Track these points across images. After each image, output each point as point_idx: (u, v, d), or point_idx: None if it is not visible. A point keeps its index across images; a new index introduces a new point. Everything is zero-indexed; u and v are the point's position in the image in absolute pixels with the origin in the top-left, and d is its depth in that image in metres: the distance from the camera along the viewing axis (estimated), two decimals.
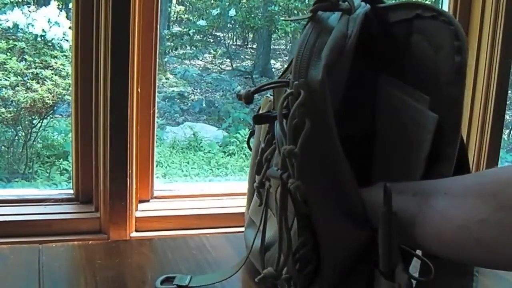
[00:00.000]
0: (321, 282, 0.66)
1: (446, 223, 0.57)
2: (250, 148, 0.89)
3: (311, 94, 0.60)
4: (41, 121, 3.42)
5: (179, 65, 5.09)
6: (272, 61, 5.33)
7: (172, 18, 5.29)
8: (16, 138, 3.45)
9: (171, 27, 5.19)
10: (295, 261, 0.65)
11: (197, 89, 4.93)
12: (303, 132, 0.60)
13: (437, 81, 0.63)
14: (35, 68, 3.35)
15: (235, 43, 5.47)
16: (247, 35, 5.52)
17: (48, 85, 3.30)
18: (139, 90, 1.09)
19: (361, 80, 0.68)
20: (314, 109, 0.60)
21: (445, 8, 1.33)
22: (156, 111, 1.13)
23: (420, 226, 0.60)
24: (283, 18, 5.12)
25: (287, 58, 5.41)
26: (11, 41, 3.44)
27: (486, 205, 0.54)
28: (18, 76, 3.32)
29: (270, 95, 0.80)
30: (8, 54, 3.38)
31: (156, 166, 1.20)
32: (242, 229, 0.91)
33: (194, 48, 5.14)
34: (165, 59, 4.98)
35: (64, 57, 3.40)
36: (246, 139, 0.90)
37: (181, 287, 0.83)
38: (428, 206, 0.59)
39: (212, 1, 5.05)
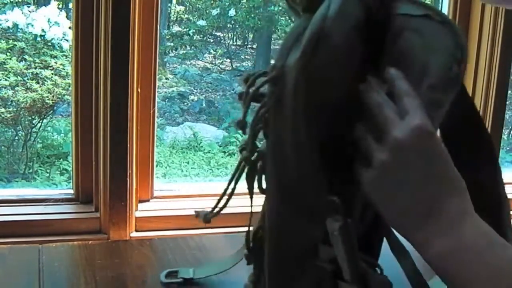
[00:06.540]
0: (265, 281, 0.66)
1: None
2: None
3: (280, 77, 0.63)
4: (41, 121, 3.42)
5: (179, 65, 5.08)
6: (272, 61, 5.32)
7: (172, 18, 5.28)
8: (16, 138, 3.45)
9: (171, 27, 5.19)
10: None
11: (197, 89, 4.92)
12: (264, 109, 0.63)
13: (421, 81, 0.62)
14: (35, 68, 3.34)
15: (235, 43, 5.46)
16: (247, 35, 5.52)
17: (48, 85, 3.29)
18: (139, 90, 1.09)
19: None
20: (284, 93, 0.62)
21: (445, 8, 1.33)
22: (156, 111, 1.13)
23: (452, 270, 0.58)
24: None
25: None
26: (11, 41, 3.43)
27: None
28: (18, 76, 3.31)
29: None
30: (8, 54, 3.38)
31: (156, 166, 1.20)
32: (242, 229, 0.91)
33: (194, 48, 5.13)
34: (165, 59, 4.97)
35: (64, 57, 3.40)
36: None
37: (187, 280, 0.83)
38: (465, 260, 0.57)
39: (212, 1, 5.05)
